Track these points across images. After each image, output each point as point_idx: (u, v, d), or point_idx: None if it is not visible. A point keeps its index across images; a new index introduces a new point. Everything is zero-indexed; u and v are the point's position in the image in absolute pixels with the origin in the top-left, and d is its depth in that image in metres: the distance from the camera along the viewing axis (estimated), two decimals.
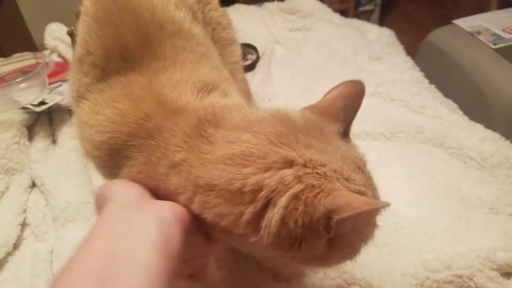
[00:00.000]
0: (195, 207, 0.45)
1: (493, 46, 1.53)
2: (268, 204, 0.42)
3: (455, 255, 0.74)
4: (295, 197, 0.41)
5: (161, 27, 0.58)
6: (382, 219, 0.47)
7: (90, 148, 0.56)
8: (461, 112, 1.16)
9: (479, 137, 1.00)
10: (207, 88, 0.54)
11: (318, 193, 0.41)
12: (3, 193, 0.95)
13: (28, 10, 1.93)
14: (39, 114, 1.11)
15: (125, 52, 0.55)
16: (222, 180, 0.43)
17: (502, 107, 1.27)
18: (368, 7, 2.64)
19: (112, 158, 0.53)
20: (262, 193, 0.42)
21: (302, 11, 1.62)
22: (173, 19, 0.60)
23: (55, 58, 1.35)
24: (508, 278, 0.71)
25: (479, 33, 1.62)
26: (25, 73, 1.11)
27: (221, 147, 0.45)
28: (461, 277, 0.71)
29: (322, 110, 0.50)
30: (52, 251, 0.85)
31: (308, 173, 0.42)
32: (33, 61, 1.16)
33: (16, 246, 0.87)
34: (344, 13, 2.48)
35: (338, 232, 0.42)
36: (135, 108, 0.51)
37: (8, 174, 0.98)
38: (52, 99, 1.09)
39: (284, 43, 1.46)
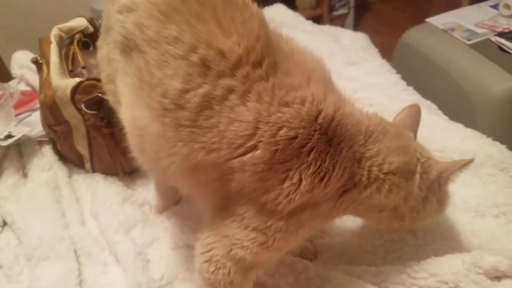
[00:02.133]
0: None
1: (468, 42, 1.52)
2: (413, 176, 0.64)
3: (440, 261, 0.73)
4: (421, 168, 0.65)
5: None
6: None
7: None
8: (441, 113, 1.15)
9: (461, 138, 0.99)
10: None
11: (429, 164, 0.65)
12: None
13: None
14: (6, 148, 1.06)
15: None
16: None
17: (482, 101, 1.26)
18: (342, 11, 2.65)
19: None
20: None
21: (275, 21, 1.59)
22: None
23: (23, 87, 1.31)
24: (499, 281, 0.69)
25: (452, 30, 1.62)
26: None
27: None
28: (446, 283, 0.69)
29: (403, 125, 0.71)
30: None
31: (421, 157, 0.66)
32: None
33: None
34: (319, 18, 2.48)
35: (442, 190, 0.67)
36: None
37: None
38: (20, 131, 1.05)
39: None
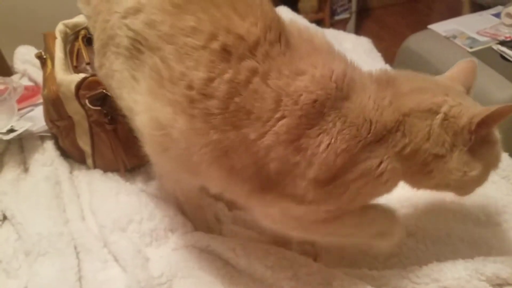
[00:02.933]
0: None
1: (470, 50, 1.54)
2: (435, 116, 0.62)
3: (442, 267, 0.73)
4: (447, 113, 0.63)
5: None
6: None
7: None
8: None
9: None
10: None
11: (461, 109, 0.62)
12: None
13: None
14: (8, 142, 1.06)
15: None
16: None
17: None
18: (344, 16, 2.66)
19: None
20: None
21: None
22: None
23: (25, 82, 1.30)
24: None
25: (454, 37, 1.63)
26: None
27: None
28: None
29: (450, 78, 0.72)
30: None
31: (451, 100, 0.63)
32: (0, 87, 1.11)
33: None
34: (320, 22, 2.49)
35: (476, 140, 0.62)
36: None
37: None
38: (22, 126, 1.04)
39: None
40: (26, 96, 1.19)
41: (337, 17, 2.64)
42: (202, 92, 0.57)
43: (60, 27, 1.06)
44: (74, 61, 1.02)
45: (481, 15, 1.76)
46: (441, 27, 1.70)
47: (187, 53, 0.57)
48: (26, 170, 1.05)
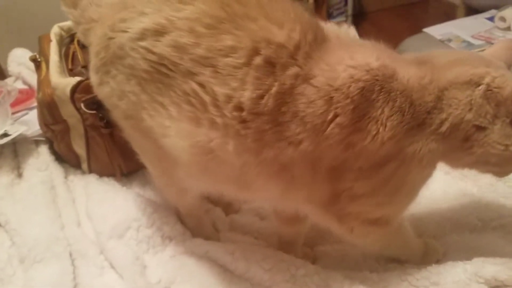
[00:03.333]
0: None
1: None
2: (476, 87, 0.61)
3: (441, 269, 0.72)
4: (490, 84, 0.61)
5: None
6: None
7: None
8: None
9: None
10: None
11: (506, 80, 0.61)
12: None
13: None
14: (2, 147, 1.04)
15: None
16: None
17: None
18: (340, 19, 2.67)
19: None
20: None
21: None
22: None
23: (20, 85, 1.29)
24: None
25: (449, 40, 1.64)
26: None
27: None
28: None
29: (491, 55, 0.70)
30: None
31: (493, 72, 0.62)
32: None
33: None
34: None
35: None
36: None
37: None
38: (16, 130, 1.03)
39: None
40: (21, 100, 1.17)
41: (333, 20, 2.65)
42: (253, 111, 0.56)
43: (55, 30, 1.05)
44: (70, 64, 1.01)
45: (476, 19, 1.77)
46: (436, 31, 1.70)
47: (230, 74, 0.55)
48: (20, 175, 1.03)
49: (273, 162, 0.59)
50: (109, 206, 0.94)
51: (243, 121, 0.56)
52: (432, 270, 0.72)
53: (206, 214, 0.93)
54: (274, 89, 0.55)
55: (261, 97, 0.55)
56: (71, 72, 0.99)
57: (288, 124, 0.57)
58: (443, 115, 0.61)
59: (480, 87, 0.61)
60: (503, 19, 1.64)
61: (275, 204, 0.77)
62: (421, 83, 0.60)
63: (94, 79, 0.70)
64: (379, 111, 0.58)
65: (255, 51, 0.54)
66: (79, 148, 1.02)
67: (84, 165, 1.04)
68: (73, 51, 1.03)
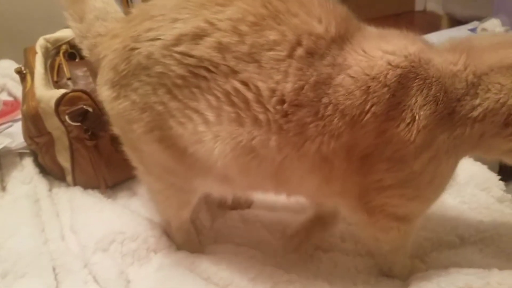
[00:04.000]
0: None
1: None
2: None
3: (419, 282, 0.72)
4: None
5: None
6: None
7: None
8: None
9: None
10: None
11: None
12: None
13: None
14: None
15: None
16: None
17: None
18: None
19: None
20: None
21: None
22: None
23: (5, 96, 1.28)
24: None
25: None
26: None
27: None
28: None
29: None
30: None
31: None
32: None
33: None
34: None
35: None
36: None
37: None
38: (0, 143, 1.02)
39: None
40: (5, 112, 1.17)
41: None
42: (295, 103, 0.57)
43: (41, 42, 1.05)
44: (55, 76, 1.00)
45: (459, 30, 1.80)
46: None
47: (273, 67, 0.57)
48: (3, 188, 1.02)
49: (314, 155, 0.60)
50: (93, 219, 0.93)
51: (285, 115, 0.58)
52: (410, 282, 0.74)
53: (193, 227, 0.92)
54: (312, 79, 0.57)
55: (302, 87, 0.57)
56: (57, 84, 0.99)
57: (330, 118, 0.58)
58: (477, 101, 0.60)
59: None
60: (485, 30, 1.67)
61: (309, 198, 0.80)
62: (453, 69, 0.60)
63: (108, 93, 0.68)
64: (413, 100, 0.58)
65: (298, 43, 0.57)
66: (64, 160, 1.01)
67: (69, 178, 1.03)
68: (59, 63, 1.03)
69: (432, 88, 0.59)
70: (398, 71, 0.58)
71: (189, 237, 0.91)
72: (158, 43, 0.61)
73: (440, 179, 0.65)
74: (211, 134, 0.61)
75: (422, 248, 0.84)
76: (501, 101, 0.59)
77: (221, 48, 0.58)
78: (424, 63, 0.59)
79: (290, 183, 0.66)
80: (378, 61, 0.58)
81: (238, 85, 0.58)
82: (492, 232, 0.84)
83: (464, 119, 0.60)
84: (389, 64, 0.58)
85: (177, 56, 0.60)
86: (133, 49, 0.63)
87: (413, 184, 0.63)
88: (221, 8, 0.58)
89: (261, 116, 0.59)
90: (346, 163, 0.62)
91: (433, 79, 0.59)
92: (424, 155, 0.60)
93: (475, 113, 0.60)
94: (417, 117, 0.58)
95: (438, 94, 0.59)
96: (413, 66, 0.58)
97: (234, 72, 0.58)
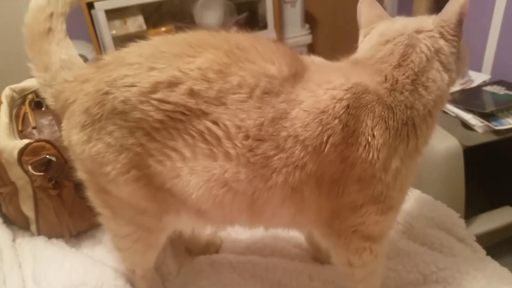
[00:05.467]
0: None
1: None
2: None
3: None
4: None
5: None
6: None
7: None
8: None
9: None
10: None
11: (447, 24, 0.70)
12: None
13: None
14: None
15: None
16: None
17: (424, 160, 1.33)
18: None
19: None
20: None
21: None
22: None
23: None
24: None
25: None
26: None
27: None
28: None
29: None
30: None
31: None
32: None
33: None
34: None
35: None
36: None
37: None
38: None
39: None
40: None
41: None
42: (257, 137, 0.63)
43: (6, 92, 1.06)
44: (20, 126, 1.01)
45: None
46: None
47: (237, 108, 0.63)
48: None
49: (283, 186, 0.64)
50: (56, 270, 0.92)
51: (251, 149, 0.63)
52: None
53: (157, 275, 0.91)
54: (270, 115, 0.63)
55: (262, 123, 0.63)
56: (22, 134, 0.99)
57: (291, 150, 0.63)
58: (424, 99, 0.68)
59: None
60: None
61: (286, 228, 0.83)
62: (387, 87, 0.67)
63: (78, 137, 0.69)
64: (363, 125, 0.64)
65: (256, 85, 0.63)
66: (28, 210, 1.00)
67: (33, 227, 1.02)
68: (25, 112, 1.03)
69: (375, 110, 0.65)
70: (344, 103, 0.64)
71: (154, 285, 0.90)
72: (134, 89, 0.64)
73: (408, 183, 0.71)
74: (188, 168, 0.65)
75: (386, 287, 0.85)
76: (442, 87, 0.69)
77: (193, 94, 0.63)
78: (361, 92, 0.65)
79: (264, 215, 0.69)
80: (322, 96, 0.64)
81: (210, 125, 0.63)
82: (453, 269, 0.86)
83: (421, 118, 0.68)
84: (334, 97, 0.64)
85: (155, 102, 0.63)
86: (107, 93, 0.65)
87: (387, 195, 0.67)
88: (191, 59, 0.64)
89: (231, 151, 0.63)
90: (317, 191, 0.66)
91: (374, 103, 0.65)
92: (392, 165, 0.66)
93: (429, 107, 0.68)
94: (371, 138, 0.64)
95: (383, 113, 0.65)
96: (356, 95, 0.65)
97: (205, 114, 0.63)
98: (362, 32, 0.78)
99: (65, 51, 0.76)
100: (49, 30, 0.75)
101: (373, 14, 0.78)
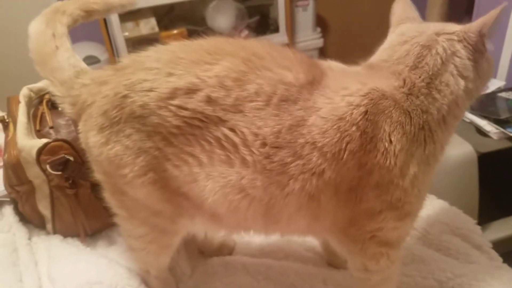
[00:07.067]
0: None
1: None
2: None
3: None
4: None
5: None
6: None
7: None
8: None
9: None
10: None
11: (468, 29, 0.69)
12: None
13: None
14: None
15: None
16: None
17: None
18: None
19: None
20: None
21: None
22: None
23: None
24: None
25: None
26: None
27: None
28: None
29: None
30: None
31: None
32: None
33: None
34: None
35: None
36: None
37: None
38: None
39: None
40: None
41: None
42: (275, 145, 0.63)
43: (24, 92, 1.07)
44: (38, 125, 1.02)
45: None
46: None
47: (255, 115, 0.63)
48: None
49: (299, 193, 0.64)
50: (71, 269, 0.92)
51: (268, 156, 0.63)
52: None
53: (171, 276, 0.92)
54: (288, 123, 0.63)
55: (279, 131, 0.63)
56: (39, 133, 1.00)
57: (308, 156, 0.63)
58: (438, 103, 0.67)
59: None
60: None
61: (301, 235, 0.84)
62: (404, 91, 0.67)
63: (96, 139, 0.69)
64: (382, 131, 0.64)
65: (273, 93, 0.63)
66: (44, 208, 1.01)
67: (49, 226, 1.03)
68: (42, 112, 1.04)
69: (393, 116, 0.64)
70: (362, 109, 0.63)
71: (168, 286, 0.90)
72: (153, 94, 0.64)
73: (425, 189, 0.70)
74: (204, 174, 0.65)
75: None
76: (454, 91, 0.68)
77: (211, 101, 0.63)
78: (379, 97, 0.65)
79: (279, 222, 0.69)
80: (340, 103, 0.64)
81: (227, 132, 0.63)
82: (470, 277, 0.86)
83: (436, 123, 0.67)
84: (351, 104, 0.64)
85: (173, 108, 0.64)
86: (126, 96, 0.66)
87: (405, 201, 0.67)
88: (209, 66, 0.64)
89: (248, 158, 0.64)
90: (335, 198, 0.66)
91: (391, 108, 0.65)
92: (409, 171, 0.65)
93: (443, 112, 0.67)
94: (388, 144, 0.63)
95: (400, 118, 0.65)
96: (373, 101, 0.64)
97: (222, 121, 0.64)
98: (390, 32, 0.77)
99: (78, 63, 0.77)
100: (56, 48, 0.77)
101: (405, 16, 0.77)
